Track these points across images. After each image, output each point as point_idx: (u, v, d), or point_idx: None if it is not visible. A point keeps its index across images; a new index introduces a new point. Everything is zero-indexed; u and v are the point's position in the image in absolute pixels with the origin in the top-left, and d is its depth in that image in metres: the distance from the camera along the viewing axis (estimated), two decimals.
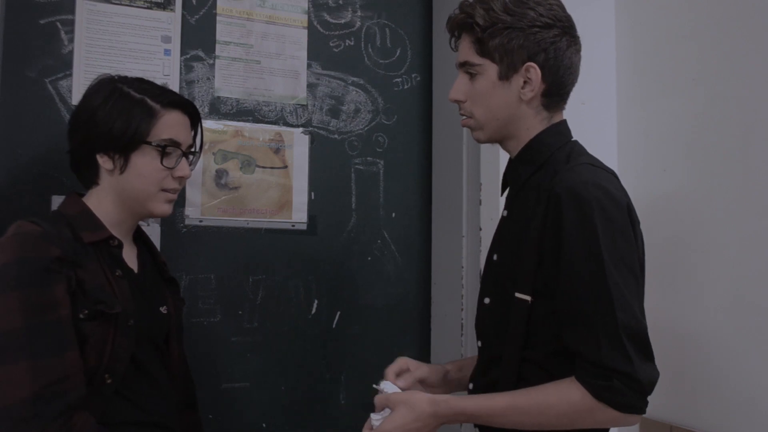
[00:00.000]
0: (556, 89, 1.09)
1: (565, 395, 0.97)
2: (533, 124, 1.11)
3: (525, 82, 1.07)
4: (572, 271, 0.97)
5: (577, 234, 0.97)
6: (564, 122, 1.15)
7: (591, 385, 0.95)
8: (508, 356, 1.06)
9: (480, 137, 1.15)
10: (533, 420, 0.99)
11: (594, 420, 0.96)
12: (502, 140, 1.15)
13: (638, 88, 1.68)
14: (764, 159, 1.33)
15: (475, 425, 1.12)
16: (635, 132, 1.68)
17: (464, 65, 1.12)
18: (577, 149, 1.11)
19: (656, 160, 1.60)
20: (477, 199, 1.67)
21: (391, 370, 1.18)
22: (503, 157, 1.19)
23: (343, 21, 1.87)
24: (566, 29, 1.08)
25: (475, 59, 1.09)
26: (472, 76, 1.11)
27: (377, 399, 1.09)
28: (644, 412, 0.97)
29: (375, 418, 1.08)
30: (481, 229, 1.63)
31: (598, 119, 1.72)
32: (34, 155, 1.53)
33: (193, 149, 1.27)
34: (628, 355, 0.92)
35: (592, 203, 0.96)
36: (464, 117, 1.15)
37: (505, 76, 1.08)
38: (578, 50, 1.11)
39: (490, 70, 1.08)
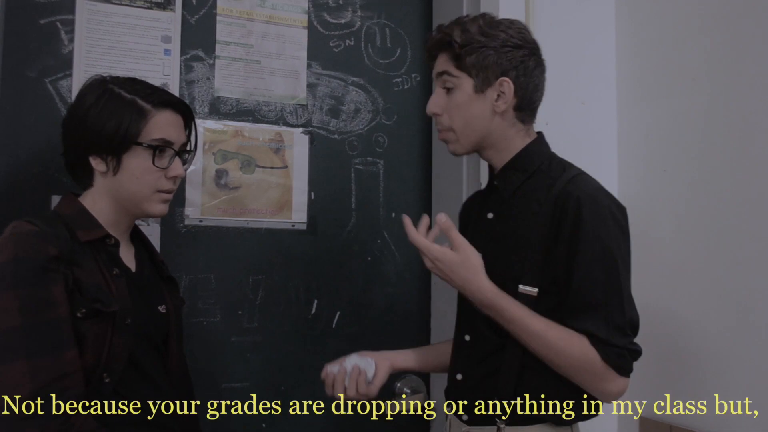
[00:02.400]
0: (527, 104, 1.21)
1: (583, 346, 1.09)
2: (511, 135, 1.22)
3: (498, 96, 1.18)
4: (588, 268, 1.09)
5: (594, 235, 1.09)
6: (542, 135, 1.26)
7: (602, 350, 1.08)
8: (512, 347, 1.14)
9: (457, 149, 1.24)
10: (550, 346, 1.10)
11: (594, 375, 1.09)
12: (480, 150, 1.25)
13: (638, 88, 1.68)
14: (764, 159, 1.33)
15: (466, 423, 1.19)
16: (635, 132, 1.68)
17: (443, 74, 1.21)
18: (565, 161, 1.23)
19: (656, 160, 1.60)
20: None
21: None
22: None
23: (343, 21, 1.87)
24: (533, 51, 1.21)
25: (454, 71, 1.19)
26: (449, 90, 1.21)
27: (443, 224, 1.14)
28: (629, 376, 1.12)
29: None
30: None
31: (598, 119, 1.72)
32: (34, 155, 1.53)
33: (187, 148, 1.26)
34: (630, 336, 1.11)
35: (605, 209, 1.11)
36: (441, 131, 1.24)
37: (480, 89, 1.18)
38: (543, 71, 1.23)
39: (466, 83, 1.19)
